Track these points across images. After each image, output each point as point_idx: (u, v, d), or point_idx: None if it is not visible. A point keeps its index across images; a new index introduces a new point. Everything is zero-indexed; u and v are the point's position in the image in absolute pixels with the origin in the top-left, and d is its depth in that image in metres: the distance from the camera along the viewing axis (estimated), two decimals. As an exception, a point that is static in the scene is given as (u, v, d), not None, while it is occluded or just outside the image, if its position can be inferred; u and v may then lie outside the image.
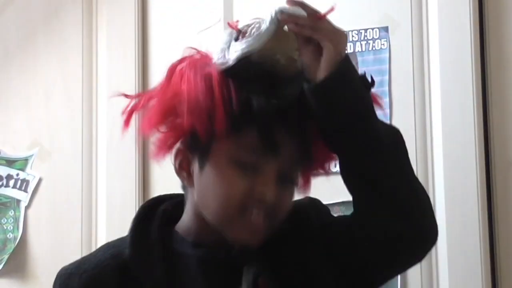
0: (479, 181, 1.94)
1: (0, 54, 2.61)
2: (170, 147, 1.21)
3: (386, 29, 2.14)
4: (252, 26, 1.13)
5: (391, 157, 1.19)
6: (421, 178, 1.55)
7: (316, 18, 1.12)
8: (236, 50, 1.14)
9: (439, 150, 1.97)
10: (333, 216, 1.32)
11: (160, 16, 2.39)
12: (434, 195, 1.94)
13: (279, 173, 1.13)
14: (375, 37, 2.15)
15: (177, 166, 1.21)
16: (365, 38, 2.17)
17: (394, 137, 1.19)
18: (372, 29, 2.14)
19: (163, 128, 1.21)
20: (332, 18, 1.22)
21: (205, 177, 1.19)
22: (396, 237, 1.17)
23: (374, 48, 2.16)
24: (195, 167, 1.19)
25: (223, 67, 1.15)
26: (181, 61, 1.21)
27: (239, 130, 1.10)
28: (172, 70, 1.21)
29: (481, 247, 1.97)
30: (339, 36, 1.14)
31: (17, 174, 2.52)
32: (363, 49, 2.17)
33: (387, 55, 2.14)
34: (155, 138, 1.23)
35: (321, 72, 1.09)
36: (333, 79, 1.09)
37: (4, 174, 2.48)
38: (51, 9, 2.55)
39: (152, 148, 1.25)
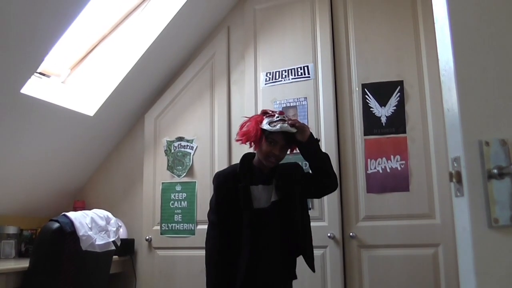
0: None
1: (189, 105, 3.61)
2: (245, 142, 2.23)
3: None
4: (279, 120, 2.14)
5: (324, 161, 2.23)
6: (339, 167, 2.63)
7: (300, 125, 2.16)
8: (271, 126, 2.14)
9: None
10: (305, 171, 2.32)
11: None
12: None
13: (280, 147, 2.15)
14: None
15: (249, 145, 2.25)
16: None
17: (326, 155, 2.25)
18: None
19: (242, 139, 2.24)
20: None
21: (260, 148, 2.20)
22: (325, 182, 2.24)
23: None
24: (258, 146, 2.20)
25: (265, 127, 2.16)
26: (250, 118, 2.28)
27: (266, 139, 2.16)
28: (247, 121, 2.27)
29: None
30: (306, 129, 2.19)
31: (189, 144, 3.55)
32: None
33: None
34: (239, 141, 2.26)
35: (304, 139, 2.16)
36: (307, 141, 2.16)
37: (186, 144, 3.54)
38: (206, 87, 3.59)
39: (238, 142, 2.26)
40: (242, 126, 2.27)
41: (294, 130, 2.15)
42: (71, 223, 2.70)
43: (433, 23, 1.15)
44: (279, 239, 2.19)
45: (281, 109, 3.24)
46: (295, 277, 2.26)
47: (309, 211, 2.93)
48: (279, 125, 2.13)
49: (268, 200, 2.18)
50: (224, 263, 2.18)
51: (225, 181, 2.24)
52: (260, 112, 2.31)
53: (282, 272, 2.20)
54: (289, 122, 2.15)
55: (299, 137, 2.17)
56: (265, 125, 2.17)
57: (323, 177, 2.22)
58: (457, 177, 1.01)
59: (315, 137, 2.23)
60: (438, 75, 2.81)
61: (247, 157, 2.31)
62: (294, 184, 2.22)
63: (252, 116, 2.29)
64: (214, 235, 2.24)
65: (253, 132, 2.19)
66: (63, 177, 3.67)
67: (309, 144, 2.19)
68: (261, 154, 2.21)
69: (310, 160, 2.23)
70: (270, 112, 2.25)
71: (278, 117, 2.17)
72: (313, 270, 2.24)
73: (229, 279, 2.16)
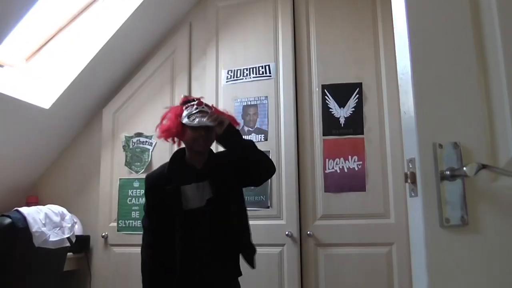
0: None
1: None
2: (167, 139, 2.15)
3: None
4: (198, 112, 2.07)
5: (249, 148, 2.12)
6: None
7: (219, 119, 2.06)
8: (190, 120, 2.06)
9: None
10: None
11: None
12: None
13: (205, 130, 2.05)
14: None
15: (172, 142, 2.17)
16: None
17: (250, 142, 2.14)
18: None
19: (163, 135, 2.14)
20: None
21: (185, 136, 2.10)
22: (253, 171, 2.13)
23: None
24: (181, 139, 2.14)
25: (184, 121, 2.08)
26: (169, 110, 2.18)
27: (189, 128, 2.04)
28: (166, 113, 2.18)
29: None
30: (224, 121, 2.07)
31: (148, 140, 3.52)
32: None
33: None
34: (161, 137, 2.16)
35: (220, 131, 2.04)
36: (224, 132, 2.04)
37: (145, 140, 3.51)
38: (167, 82, 3.55)
39: (161, 139, 2.18)
40: (162, 118, 2.18)
41: (212, 124, 2.06)
42: (23, 218, 2.62)
43: (392, 27, 1.18)
44: (218, 237, 2.12)
45: (242, 106, 3.26)
46: (240, 274, 2.19)
47: (267, 209, 3.04)
48: (197, 119, 2.06)
49: (203, 198, 2.10)
50: (159, 270, 2.11)
51: (155, 184, 2.16)
52: (180, 101, 2.22)
53: (224, 271, 2.14)
54: (209, 118, 2.07)
55: (217, 130, 2.07)
56: (184, 118, 2.09)
57: (250, 166, 2.12)
58: (411, 178, 1.04)
59: (236, 128, 2.14)
60: (396, 78, 2.97)
61: (177, 155, 2.21)
62: (229, 177, 2.15)
63: (171, 108, 2.21)
64: (147, 242, 2.17)
65: (174, 127, 2.10)
66: (16, 171, 3.56)
67: (224, 137, 2.08)
68: (188, 142, 2.13)
69: (230, 151, 2.13)
70: (190, 99, 2.17)
71: (197, 108, 2.09)
72: (253, 267, 2.17)
73: (167, 285, 2.10)
